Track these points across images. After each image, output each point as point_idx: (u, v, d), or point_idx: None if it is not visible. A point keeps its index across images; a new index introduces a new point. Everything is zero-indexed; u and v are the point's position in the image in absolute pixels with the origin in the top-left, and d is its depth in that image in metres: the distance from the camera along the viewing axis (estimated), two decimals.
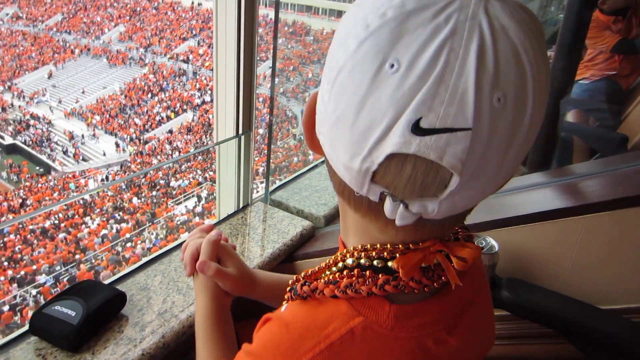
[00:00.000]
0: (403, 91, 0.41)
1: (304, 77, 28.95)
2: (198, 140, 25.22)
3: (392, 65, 0.42)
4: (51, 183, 22.91)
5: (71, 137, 27.91)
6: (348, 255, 0.59)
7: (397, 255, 0.55)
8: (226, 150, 1.85)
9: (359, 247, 0.58)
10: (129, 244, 13.99)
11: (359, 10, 0.47)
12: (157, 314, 1.33)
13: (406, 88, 0.41)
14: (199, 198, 16.72)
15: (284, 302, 0.66)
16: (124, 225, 15.30)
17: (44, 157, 26.53)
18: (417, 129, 0.41)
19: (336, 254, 0.62)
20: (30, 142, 27.95)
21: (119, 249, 13.83)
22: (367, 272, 0.56)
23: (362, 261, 0.57)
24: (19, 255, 13.99)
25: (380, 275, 0.55)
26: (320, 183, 2.04)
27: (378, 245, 0.56)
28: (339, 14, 34.63)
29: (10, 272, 12.97)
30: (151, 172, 21.00)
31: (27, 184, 23.68)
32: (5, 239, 14.89)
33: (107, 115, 29.68)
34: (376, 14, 0.44)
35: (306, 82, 28.52)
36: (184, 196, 17.34)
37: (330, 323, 0.54)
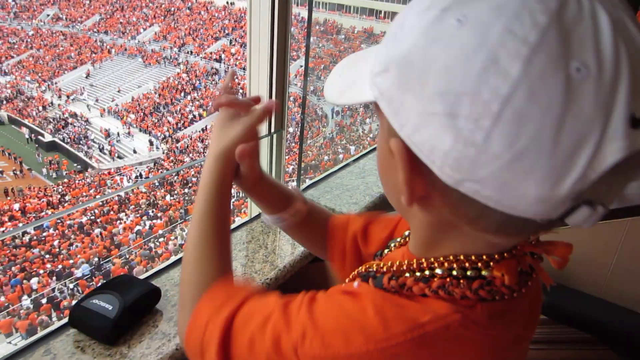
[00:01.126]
0: (605, 91, 0.39)
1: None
2: None
3: (579, 70, 0.39)
4: (88, 180, 23.67)
5: (107, 135, 28.75)
6: (437, 265, 0.57)
7: (491, 264, 0.54)
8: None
9: (451, 257, 0.56)
10: (161, 240, 14.32)
11: (484, 31, 0.42)
12: None
13: (607, 87, 0.39)
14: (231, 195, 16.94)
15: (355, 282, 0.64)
16: (156, 221, 15.68)
17: (81, 155, 27.45)
18: (635, 122, 0.40)
19: (413, 261, 0.59)
20: (69, 140, 28.95)
21: (152, 244, 14.18)
22: (461, 282, 0.55)
23: (455, 272, 0.55)
24: (57, 250, 14.52)
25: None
26: (352, 182, 2.03)
27: (473, 257, 0.55)
28: (370, 12, 34.44)
29: (49, 265, 13.49)
30: (183, 169, 21.41)
31: (66, 180, 24.55)
32: (45, 234, 15.49)
33: (142, 114, 30.45)
34: (525, 24, 0.40)
35: None
36: None
37: (425, 315, 0.53)
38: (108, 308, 1.26)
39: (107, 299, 1.28)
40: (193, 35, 39.02)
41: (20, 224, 17.43)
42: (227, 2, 42.11)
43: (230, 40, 36.99)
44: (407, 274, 0.59)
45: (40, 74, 37.91)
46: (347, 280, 0.69)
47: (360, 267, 0.68)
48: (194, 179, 19.42)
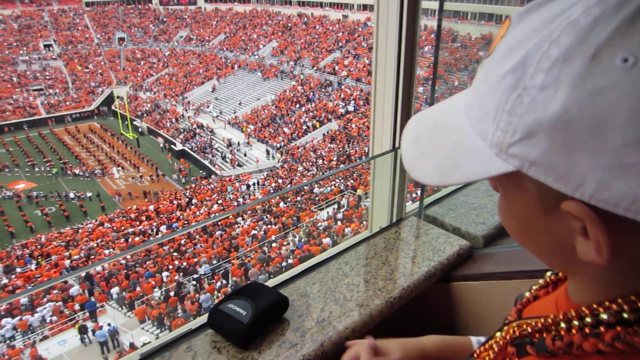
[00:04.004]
0: None
1: (449, 85, 28.12)
2: (341, 149, 26.03)
3: None
4: (211, 185, 25.66)
5: (229, 144, 30.98)
6: (601, 310, 0.51)
7: None
8: (382, 163, 1.86)
9: (619, 300, 0.50)
10: (274, 245, 14.98)
11: None
12: (316, 322, 1.38)
13: None
14: (339, 205, 17.23)
15: None
16: (271, 227, 16.45)
17: (206, 162, 29.90)
18: None
19: (571, 311, 0.54)
20: (196, 149, 31.70)
21: (266, 249, 14.89)
22: (636, 328, 0.48)
23: (626, 316, 0.49)
24: (184, 249, 15.92)
25: None
26: (478, 200, 1.93)
27: None
28: (490, 17, 32.93)
29: (176, 262, 14.85)
30: (296, 178, 22.25)
31: (193, 185, 26.93)
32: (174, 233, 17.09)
33: (260, 125, 32.31)
34: None
35: (451, 90, 27.63)
36: (326, 203, 18.02)
37: None
38: (242, 313, 1.34)
39: (242, 305, 1.36)
40: (308, 49, 40.56)
41: (155, 223, 19.42)
42: (342, 16, 43.16)
43: (342, 51, 37.80)
44: (563, 325, 0.53)
45: (173, 90, 42.13)
46: (495, 347, 0.64)
47: (508, 330, 0.62)
48: (306, 187, 20.07)
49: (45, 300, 13.68)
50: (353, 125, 28.56)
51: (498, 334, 0.65)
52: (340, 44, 39.20)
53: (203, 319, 1.43)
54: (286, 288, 1.53)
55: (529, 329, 0.58)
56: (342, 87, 33.61)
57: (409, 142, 0.60)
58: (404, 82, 1.74)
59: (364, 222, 14.08)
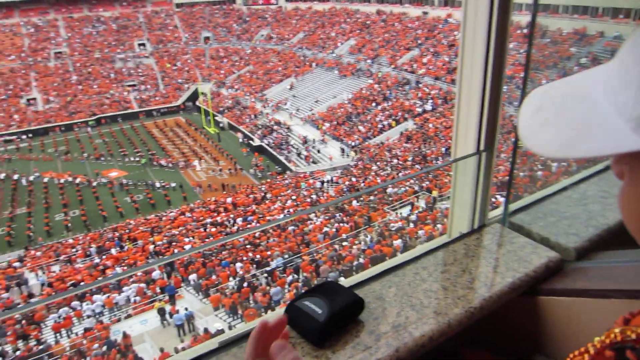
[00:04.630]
0: None
1: (535, 84, 26.57)
2: (416, 149, 25.52)
3: None
4: (286, 181, 26.23)
5: (304, 141, 31.47)
6: None
7: None
8: (464, 166, 1.79)
9: None
10: (345, 243, 15.01)
11: None
12: (391, 326, 1.35)
13: None
14: (413, 206, 16.90)
15: None
16: (343, 225, 16.50)
17: (282, 158, 30.61)
18: None
19: None
20: (273, 145, 32.54)
21: (337, 246, 14.96)
22: None
23: None
24: (257, 241, 16.43)
25: None
26: (570, 209, 1.79)
27: None
28: (585, 10, 30.61)
29: (250, 254, 15.36)
30: (370, 177, 22.12)
31: (268, 180, 27.72)
32: (249, 226, 17.68)
33: (335, 122, 32.49)
34: None
35: None
36: (400, 203, 17.76)
37: None
38: (318, 311, 1.34)
39: (317, 303, 1.37)
40: (386, 46, 40.14)
41: (232, 215, 20.21)
42: (422, 12, 42.25)
43: (421, 49, 36.97)
44: None
45: (253, 87, 43.54)
46: (591, 351, 0.59)
47: (609, 334, 0.58)
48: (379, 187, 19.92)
49: (130, 281, 14.76)
50: (430, 125, 27.86)
51: (597, 338, 0.61)
52: (419, 42, 38.37)
53: (279, 313, 1.45)
54: (361, 289, 1.51)
55: (633, 336, 0.54)
56: (420, 85, 32.89)
57: (530, 112, 0.59)
58: (492, 82, 1.66)
59: (438, 226, 13.70)
